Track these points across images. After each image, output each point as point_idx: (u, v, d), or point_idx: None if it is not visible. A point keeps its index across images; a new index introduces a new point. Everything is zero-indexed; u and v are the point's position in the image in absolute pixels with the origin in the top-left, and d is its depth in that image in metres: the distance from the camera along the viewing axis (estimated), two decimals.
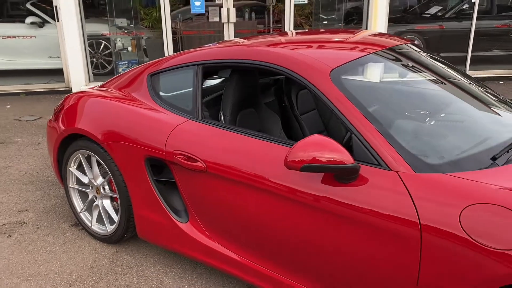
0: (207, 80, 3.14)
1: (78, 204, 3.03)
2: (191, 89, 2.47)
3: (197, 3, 6.87)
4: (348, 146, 1.90)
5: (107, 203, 2.85)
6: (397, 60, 2.41)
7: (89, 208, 2.99)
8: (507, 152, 1.82)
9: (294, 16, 7.09)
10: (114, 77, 3.12)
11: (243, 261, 2.23)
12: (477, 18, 7.44)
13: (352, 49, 2.36)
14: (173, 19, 8.47)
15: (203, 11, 7.00)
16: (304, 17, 7.87)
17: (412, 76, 2.39)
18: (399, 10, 8.62)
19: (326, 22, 7.44)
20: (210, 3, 7.26)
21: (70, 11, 6.59)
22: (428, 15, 8.19)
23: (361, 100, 1.92)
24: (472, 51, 7.65)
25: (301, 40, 2.59)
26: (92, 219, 2.96)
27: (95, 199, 2.92)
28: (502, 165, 1.73)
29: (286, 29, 6.98)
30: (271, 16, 9.05)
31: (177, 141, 2.31)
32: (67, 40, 6.71)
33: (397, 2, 8.62)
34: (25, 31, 7.48)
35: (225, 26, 7.04)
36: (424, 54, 2.61)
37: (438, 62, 2.61)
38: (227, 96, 2.51)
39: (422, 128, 1.99)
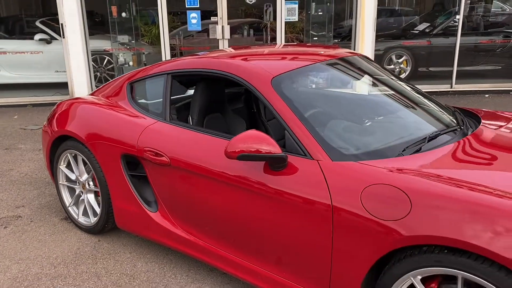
0: (188, 90, 3.51)
1: (67, 199, 3.38)
2: (162, 94, 2.83)
3: (194, 21, 7.31)
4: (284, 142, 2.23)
5: (91, 197, 3.21)
6: (339, 69, 2.75)
7: (76, 202, 3.34)
8: (415, 145, 2.14)
9: (286, 33, 7.48)
10: (102, 86, 3.50)
11: (202, 244, 2.55)
12: (463, 35, 7.77)
13: (299, 59, 2.70)
14: (174, 35, 8.94)
15: (199, 28, 7.44)
16: (295, 33, 8.26)
17: (349, 83, 2.73)
18: (389, 26, 8.98)
19: (316, 38, 7.82)
20: (208, 21, 7.72)
21: (74, 28, 7.08)
22: (417, 31, 8.53)
23: (295, 103, 2.26)
24: (459, 65, 7.96)
25: (259, 53, 2.94)
26: (78, 212, 3.31)
27: (81, 194, 3.27)
28: (406, 155, 2.05)
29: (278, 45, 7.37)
30: (268, 32, 9.46)
31: (147, 139, 2.67)
32: (71, 55, 7.18)
33: (387, 19, 8.99)
34: (34, 47, 7.99)
35: (220, 42, 7.46)
36: (369, 65, 2.95)
37: (381, 71, 2.94)
38: (194, 102, 2.86)
39: (345, 126, 2.32)
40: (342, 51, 2.96)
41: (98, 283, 2.68)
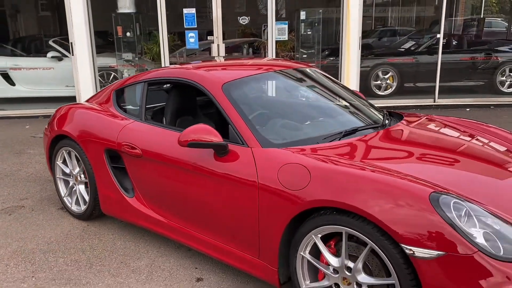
0: None
1: (63, 190, 3.93)
2: (139, 99, 3.39)
3: (192, 40, 7.94)
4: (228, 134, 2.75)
5: (82, 188, 3.75)
6: (288, 77, 3.29)
7: (70, 193, 3.88)
8: (331, 136, 2.65)
9: (277, 51, 8.07)
10: (96, 93, 4.08)
11: (168, 222, 3.05)
12: (443, 52, 8.26)
13: (255, 69, 3.24)
14: (178, 54, 9.62)
15: (196, 47, 8.08)
16: (286, 51, 8.85)
17: (293, 89, 3.26)
18: (376, 44, 9.52)
19: (305, 56, 8.39)
20: (206, 41, 8.38)
21: (83, 47, 7.76)
22: (403, 50, 9.05)
23: (240, 104, 2.78)
24: (443, 81, 8.43)
25: (227, 64, 3.50)
26: (72, 201, 3.85)
27: (74, 185, 3.82)
28: (321, 143, 2.57)
29: None
30: (265, 50, 10.07)
31: (125, 135, 3.22)
32: (80, 71, 7.86)
33: (377, 39, 9.54)
34: (46, 63, 8.71)
35: (216, 59, 8.07)
36: (318, 75, 3.47)
37: (326, 80, 3.47)
38: (167, 105, 3.41)
39: (278, 123, 2.84)
40: (296, 64, 3.50)
41: (82, 256, 3.20)
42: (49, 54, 8.72)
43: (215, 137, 2.56)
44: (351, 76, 8.04)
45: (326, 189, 2.15)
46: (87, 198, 3.69)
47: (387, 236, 1.97)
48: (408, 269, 1.94)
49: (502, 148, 2.88)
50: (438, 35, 8.11)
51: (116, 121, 3.38)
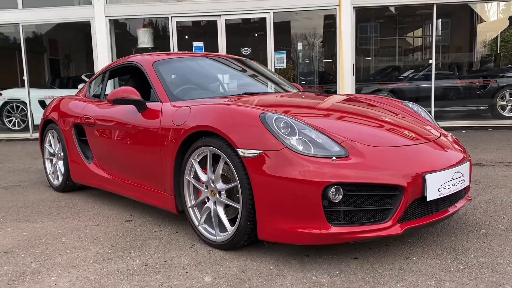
0: None
1: (49, 168, 4.68)
2: (102, 84, 4.15)
3: None
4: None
5: (61, 163, 4.48)
6: (217, 61, 3.97)
7: (54, 171, 4.63)
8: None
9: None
10: (82, 87, 4.91)
11: (112, 179, 3.68)
12: (441, 78, 8.63)
13: (189, 55, 3.96)
14: None
15: None
16: (286, 79, 9.54)
17: (218, 68, 3.93)
18: (375, 71, 10.01)
19: (304, 82, 9.03)
20: None
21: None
22: (401, 77, 9.48)
23: (163, 74, 3.45)
24: (440, 106, 8.72)
25: (166, 53, 4.24)
26: (54, 177, 4.58)
27: (56, 163, 4.56)
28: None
29: None
30: None
31: (85, 110, 3.96)
32: None
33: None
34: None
35: None
36: (250, 62, 4.11)
37: (259, 65, 4.10)
38: (119, 85, 4.14)
39: (190, 88, 3.47)
40: (235, 56, 4.18)
41: (48, 210, 3.86)
42: (80, 86, 9.92)
43: (135, 95, 3.22)
44: None
45: (197, 119, 2.73)
46: (63, 171, 4.41)
47: (231, 146, 2.49)
48: (246, 174, 2.43)
49: (383, 110, 3.31)
50: (430, 61, 8.50)
51: (83, 103, 4.15)
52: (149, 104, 3.27)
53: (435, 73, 8.67)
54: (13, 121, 10.33)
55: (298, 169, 2.27)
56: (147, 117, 3.20)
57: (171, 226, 3.22)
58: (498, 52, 12.56)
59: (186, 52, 4.54)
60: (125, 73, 4.31)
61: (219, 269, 2.45)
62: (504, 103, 8.99)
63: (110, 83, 4.40)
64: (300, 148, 2.34)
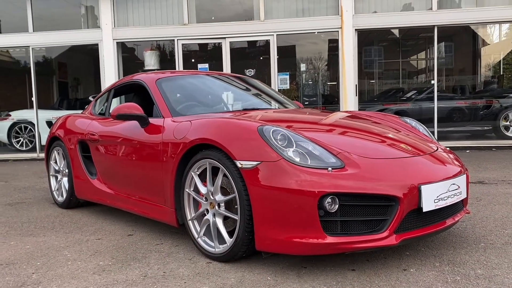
0: None
1: (53, 185, 4.75)
2: (107, 102, 4.25)
3: None
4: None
5: (65, 180, 4.54)
6: (218, 79, 4.06)
7: (59, 188, 4.69)
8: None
9: None
10: (88, 105, 5.01)
11: (115, 194, 3.73)
12: (439, 99, 8.68)
13: (188, 73, 4.06)
14: None
15: None
16: (288, 96, 9.68)
17: (220, 85, 4.01)
18: (379, 92, 10.09)
19: (307, 102, 9.13)
20: None
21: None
22: (405, 98, 9.55)
23: (166, 92, 3.54)
24: (444, 126, 8.75)
25: (170, 71, 4.34)
26: (58, 194, 4.64)
27: (61, 179, 4.63)
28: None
29: None
30: None
31: (90, 127, 4.05)
32: None
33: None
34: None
35: None
36: (251, 80, 4.20)
37: (260, 83, 4.19)
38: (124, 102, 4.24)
39: (191, 104, 3.55)
40: (236, 74, 4.28)
41: (51, 225, 3.91)
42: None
43: (138, 111, 3.30)
44: None
45: (197, 132, 2.79)
46: (67, 187, 4.47)
47: (230, 158, 2.55)
48: (244, 186, 2.48)
49: (387, 127, 3.36)
50: (432, 81, 8.58)
51: (88, 120, 4.24)
52: (152, 120, 3.34)
53: (439, 95, 8.75)
54: (20, 142, 10.49)
55: (294, 180, 2.32)
56: (149, 132, 3.28)
57: (172, 240, 3.25)
58: (501, 73, 12.66)
59: (189, 70, 4.65)
60: (130, 91, 4.43)
61: (217, 280, 2.47)
62: (508, 123, 9.02)
63: (115, 101, 4.51)
64: (297, 159, 2.39)
